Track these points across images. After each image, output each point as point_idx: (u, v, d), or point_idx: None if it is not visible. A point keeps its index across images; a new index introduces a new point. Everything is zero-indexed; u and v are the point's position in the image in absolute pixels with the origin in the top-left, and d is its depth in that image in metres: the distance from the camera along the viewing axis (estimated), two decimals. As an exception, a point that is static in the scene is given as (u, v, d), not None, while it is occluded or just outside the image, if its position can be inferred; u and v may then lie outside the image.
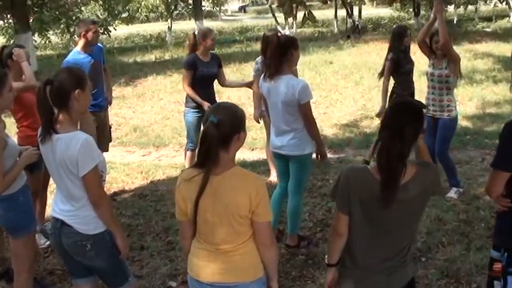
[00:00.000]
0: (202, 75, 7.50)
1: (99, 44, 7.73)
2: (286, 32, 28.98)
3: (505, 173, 3.50)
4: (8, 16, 23.11)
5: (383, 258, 3.31)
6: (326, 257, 3.56)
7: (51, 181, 5.67)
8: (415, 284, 3.66)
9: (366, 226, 3.27)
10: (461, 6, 37.60)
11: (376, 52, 20.53)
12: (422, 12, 32.06)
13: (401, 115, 3.17)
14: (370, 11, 39.43)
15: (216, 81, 7.79)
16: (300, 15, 27.07)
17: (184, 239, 3.49)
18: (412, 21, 33.29)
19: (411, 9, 32.98)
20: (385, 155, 3.09)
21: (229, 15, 59.15)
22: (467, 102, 12.58)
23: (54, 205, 4.01)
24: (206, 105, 7.18)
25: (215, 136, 3.11)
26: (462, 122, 10.54)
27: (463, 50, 19.85)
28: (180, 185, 3.33)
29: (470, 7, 38.87)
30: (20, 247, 4.60)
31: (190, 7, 34.43)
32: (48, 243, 6.31)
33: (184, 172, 3.38)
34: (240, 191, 3.17)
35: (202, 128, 3.27)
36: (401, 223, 3.26)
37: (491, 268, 3.73)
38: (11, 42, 26.30)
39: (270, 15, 32.49)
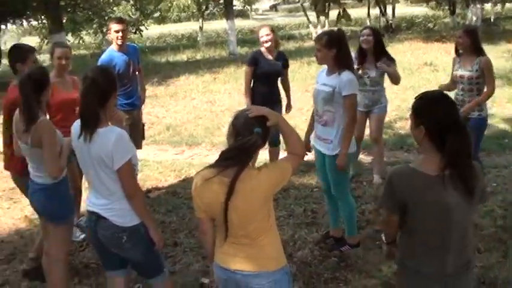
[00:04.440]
0: (262, 72, 7.49)
1: (134, 45, 7.83)
2: (319, 31, 28.92)
3: None
4: (42, 17, 23.41)
5: (445, 266, 3.22)
6: (382, 235, 3.57)
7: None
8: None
9: (425, 231, 3.21)
10: (499, 4, 37.07)
11: (411, 51, 20.35)
12: (457, 10, 31.70)
13: (447, 106, 3.13)
14: (404, 10, 39.01)
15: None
16: (332, 13, 26.91)
17: (205, 234, 3.56)
18: (447, 20, 32.96)
19: (447, 8, 32.65)
20: (454, 149, 3.02)
21: (260, 14, 59.14)
22: (506, 104, 12.13)
23: (88, 200, 4.12)
24: (248, 106, 7.19)
25: (258, 146, 3.25)
26: (500, 125, 10.40)
27: (500, 50, 19.47)
28: (199, 185, 3.37)
29: (508, 5, 38.25)
30: (60, 235, 4.76)
31: (221, 6, 34.49)
32: (83, 236, 6.44)
33: (202, 172, 3.40)
34: (257, 191, 3.27)
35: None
36: (463, 226, 3.18)
37: None
38: (45, 42, 26.72)
39: (302, 13, 32.40)
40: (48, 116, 5.44)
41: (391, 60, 7.40)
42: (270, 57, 7.52)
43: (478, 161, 6.66)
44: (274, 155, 7.70)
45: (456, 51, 6.93)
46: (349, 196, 5.77)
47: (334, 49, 5.31)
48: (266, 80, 7.53)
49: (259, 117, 3.30)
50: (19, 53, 5.66)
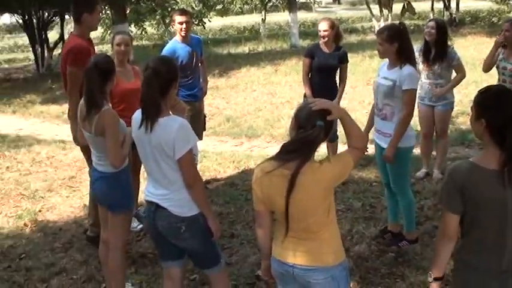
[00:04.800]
0: (318, 66, 7.52)
1: (198, 36, 7.90)
2: (381, 24, 28.57)
3: None
4: (106, 7, 23.79)
5: (502, 262, 3.16)
6: (430, 273, 3.37)
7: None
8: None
9: (483, 226, 3.15)
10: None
11: (474, 46, 19.92)
12: (523, 4, 30.91)
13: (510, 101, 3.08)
14: (468, 4, 38.20)
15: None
16: (396, 7, 26.52)
17: (262, 228, 3.56)
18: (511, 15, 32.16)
19: (511, 2, 31.85)
20: None
21: (323, 7, 58.74)
22: None
23: (147, 190, 4.16)
24: (310, 99, 7.22)
25: (320, 140, 3.24)
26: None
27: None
28: (259, 177, 3.38)
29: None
30: (118, 224, 4.80)
31: (284, -1, 34.44)
32: (140, 226, 6.53)
33: (263, 164, 3.42)
34: (318, 185, 3.26)
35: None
36: None
37: None
38: (108, 33, 27.17)
39: (365, 6, 32.05)
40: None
41: (451, 58, 7.27)
42: (327, 50, 7.52)
43: None
44: (332, 150, 7.67)
45: (504, 43, 6.84)
46: (408, 191, 5.71)
47: (395, 43, 5.28)
48: (321, 73, 7.55)
49: (322, 110, 3.28)
50: (87, 3, 5.71)
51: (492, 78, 7.39)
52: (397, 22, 5.88)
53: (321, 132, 3.22)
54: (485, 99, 3.13)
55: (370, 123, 5.81)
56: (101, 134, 4.50)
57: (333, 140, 7.66)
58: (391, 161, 5.38)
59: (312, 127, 3.20)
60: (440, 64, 7.16)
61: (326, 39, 7.43)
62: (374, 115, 5.69)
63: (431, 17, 29.53)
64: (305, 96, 7.64)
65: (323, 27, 7.44)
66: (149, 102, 3.85)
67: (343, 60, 7.63)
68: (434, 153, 8.03)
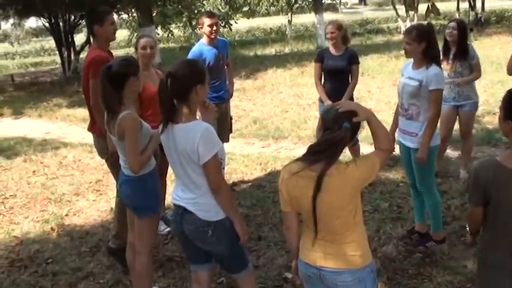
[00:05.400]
0: (327, 68, 7.55)
1: (224, 39, 7.92)
2: (407, 24, 28.42)
3: None
4: (132, 10, 23.90)
5: None
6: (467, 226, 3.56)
7: (170, 170, 5.83)
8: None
9: (503, 224, 3.19)
10: None
11: (500, 46, 19.75)
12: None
13: None
14: (493, 3, 37.88)
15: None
16: (422, 7, 26.44)
17: (290, 229, 3.57)
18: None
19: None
20: None
21: (349, 8, 58.67)
22: None
23: (174, 194, 4.15)
24: (326, 102, 7.23)
25: (347, 141, 3.24)
26: None
27: None
28: (286, 179, 3.39)
29: None
30: (144, 227, 4.79)
31: (310, 0, 34.40)
32: (167, 230, 6.53)
33: (289, 165, 3.42)
34: (344, 186, 3.26)
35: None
36: None
37: None
38: (135, 35, 27.37)
39: (391, 7, 31.93)
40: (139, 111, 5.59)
41: (471, 56, 7.25)
42: (335, 53, 7.54)
43: None
44: (354, 153, 7.66)
45: None
46: (434, 190, 5.71)
47: (423, 43, 5.29)
48: (332, 76, 7.57)
49: (349, 112, 3.29)
50: (96, 16, 5.73)
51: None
52: (424, 22, 5.87)
53: (348, 133, 3.21)
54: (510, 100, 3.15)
55: (396, 124, 5.80)
56: (122, 139, 4.49)
57: (354, 144, 7.65)
58: (424, 162, 5.40)
59: (338, 128, 3.21)
60: (462, 62, 7.14)
61: (334, 40, 7.48)
62: (399, 115, 5.69)
63: (457, 17, 29.43)
64: (321, 100, 7.66)
65: (330, 29, 7.50)
66: (164, 106, 3.85)
67: (352, 62, 7.58)
68: (457, 153, 7.98)
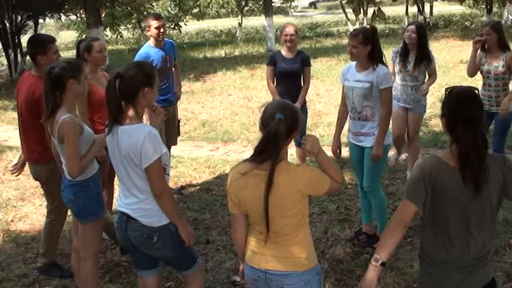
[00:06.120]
0: (280, 71, 7.50)
1: (171, 40, 7.85)
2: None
3: None
4: (81, 11, 23.59)
5: (464, 256, 3.25)
6: (377, 256, 3.31)
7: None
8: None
9: (447, 220, 3.23)
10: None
11: (447, 49, 20.14)
12: (494, 9, 31.25)
13: (470, 103, 3.19)
14: (441, 8, 38.74)
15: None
16: (371, 10, 26.75)
17: (237, 231, 3.55)
18: (484, 19, 32.50)
19: (484, 6, 32.21)
20: (467, 146, 3.08)
21: (299, 11, 58.99)
22: None
23: (118, 199, 4.11)
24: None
25: (284, 132, 3.20)
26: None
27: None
28: (234, 180, 3.39)
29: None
30: (87, 233, 4.74)
31: (260, 3, 34.52)
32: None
33: (236, 167, 3.43)
34: (290, 184, 3.24)
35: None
36: (482, 215, 3.21)
37: None
38: (83, 36, 27.01)
39: (341, 10, 32.25)
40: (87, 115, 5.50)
41: (430, 61, 7.34)
42: (288, 56, 7.51)
43: (502, 155, 6.61)
44: (300, 154, 7.70)
45: (482, 47, 6.95)
46: (380, 190, 5.88)
47: (369, 46, 5.41)
48: (284, 79, 7.54)
49: (282, 104, 3.34)
50: (39, 44, 5.52)
51: (466, 81, 7.46)
52: (367, 26, 5.97)
53: (281, 125, 3.18)
54: (446, 99, 3.28)
55: (340, 128, 5.92)
56: (63, 142, 4.43)
57: (300, 144, 7.69)
58: (380, 158, 5.56)
59: (272, 121, 3.20)
60: (419, 67, 7.22)
61: (292, 43, 7.45)
62: (350, 119, 5.78)
63: (406, 21, 29.90)
64: None
65: (290, 31, 7.45)
66: (111, 107, 3.80)
67: (305, 64, 7.60)
68: (405, 155, 8.14)
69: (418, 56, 7.21)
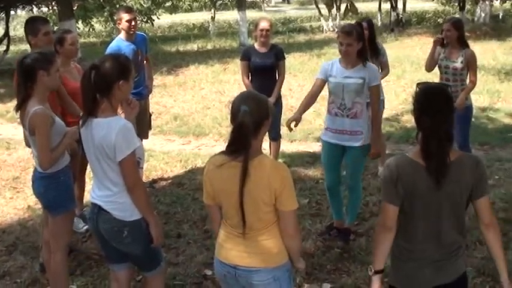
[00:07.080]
0: (254, 66, 7.49)
1: (142, 34, 7.80)
2: (330, 24, 28.84)
3: None
4: (53, 3, 23.30)
5: (435, 251, 3.28)
6: (370, 266, 3.43)
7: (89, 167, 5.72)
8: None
9: (417, 216, 3.26)
10: (508, 1, 36.80)
11: (420, 46, 20.28)
12: (467, 6, 31.57)
13: (436, 98, 3.23)
14: (414, 4, 38.97)
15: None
16: (344, 6, 26.75)
17: (215, 222, 3.56)
18: (456, 15, 32.80)
19: (456, 4, 32.50)
20: (431, 139, 3.12)
21: (272, 6, 58.95)
22: (511, 99, 12.39)
23: (92, 191, 4.08)
24: None
25: (250, 124, 3.17)
26: (505, 119, 10.61)
27: (508, 46, 19.75)
28: (209, 171, 3.38)
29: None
30: (58, 225, 4.71)
31: (233, -3, 34.44)
32: (86, 227, 6.41)
33: (213, 158, 3.41)
34: (266, 179, 3.22)
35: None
36: (450, 211, 3.23)
37: None
38: (55, 29, 26.70)
39: (314, 6, 32.32)
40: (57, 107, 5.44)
41: (379, 55, 7.51)
42: (262, 50, 7.52)
43: (467, 151, 6.67)
44: (274, 148, 7.70)
45: (442, 43, 7.05)
46: (361, 184, 6.08)
47: (360, 43, 5.47)
48: (259, 73, 7.53)
49: (248, 96, 3.39)
50: (30, 27, 5.66)
51: (437, 77, 7.53)
52: (353, 22, 6.02)
53: (246, 116, 3.16)
54: (415, 94, 3.30)
55: (303, 109, 5.87)
56: (33, 133, 4.41)
57: (275, 139, 7.70)
58: (380, 154, 5.83)
59: (236, 112, 3.22)
60: (372, 60, 7.27)
61: (267, 38, 7.46)
62: (328, 116, 5.79)
63: (379, 17, 30.09)
64: None
65: (265, 25, 7.46)
66: (86, 99, 3.77)
67: (279, 57, 7.60)
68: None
69: (371, 50, 7.24)
